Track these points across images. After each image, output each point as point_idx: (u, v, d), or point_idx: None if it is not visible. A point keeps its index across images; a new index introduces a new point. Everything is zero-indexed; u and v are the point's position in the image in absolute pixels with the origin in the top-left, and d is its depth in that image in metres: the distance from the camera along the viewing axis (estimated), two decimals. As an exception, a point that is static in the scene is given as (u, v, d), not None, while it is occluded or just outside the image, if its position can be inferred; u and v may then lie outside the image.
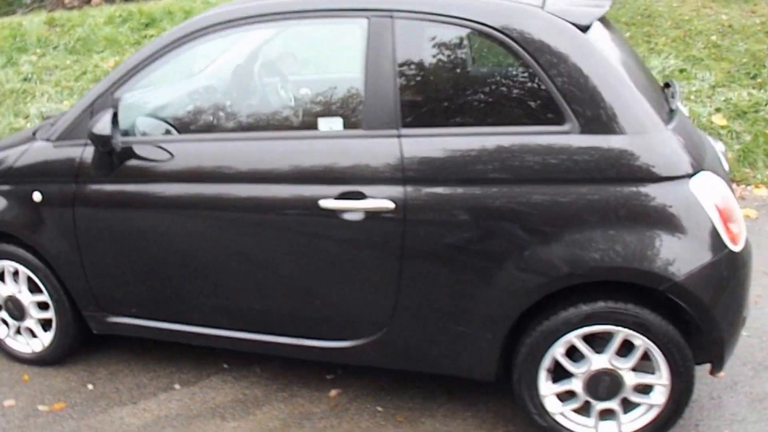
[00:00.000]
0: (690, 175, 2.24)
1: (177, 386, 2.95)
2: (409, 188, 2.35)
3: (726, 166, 2.67)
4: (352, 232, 2.43)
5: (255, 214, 2.53)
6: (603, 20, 2.65)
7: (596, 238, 2.25)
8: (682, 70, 6.14)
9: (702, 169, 2.28)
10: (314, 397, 2.87)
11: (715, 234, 2.25)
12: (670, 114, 2.41)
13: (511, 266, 2.33)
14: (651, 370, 2.39)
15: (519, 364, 2.45)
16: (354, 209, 2.38)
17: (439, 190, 2.34)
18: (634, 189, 2.23)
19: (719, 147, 2.80)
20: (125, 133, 2.67)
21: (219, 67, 3.00)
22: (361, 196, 2.38)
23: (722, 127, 5.51)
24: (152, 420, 2.74)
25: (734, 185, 4.99)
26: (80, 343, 3.05)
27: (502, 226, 2.32)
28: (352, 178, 2.39)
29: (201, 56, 2.72)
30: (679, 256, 2.23)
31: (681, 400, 2.41)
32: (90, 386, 2.95)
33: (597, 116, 2.24)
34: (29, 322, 3.04)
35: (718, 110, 5.67)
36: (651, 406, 2.43)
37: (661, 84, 2.81)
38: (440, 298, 2.44)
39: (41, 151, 2.79)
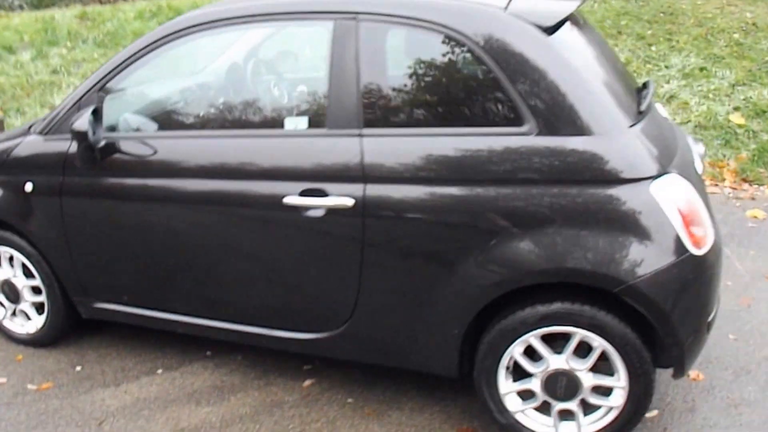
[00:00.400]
0: (652, 178, 2.23)
1: (160, 371, 3.06)
2: (369, 187, 2.39)
3: (700, 169, 2.64)
4: (315, 228, 2.49)
5: (225, 209, 2.61)
6: (575, 19, 2.65)
7: (551, 239, 2.26)
8: (702, 68, 6.03)
9: (667, 172, 2.26)
10: (288, 386, 2.94)
11: (675, 238, 2.22)
12: (639, 115, 2.40)
13: (468, 265, 2.35)
14: (610, 372, 2.40)
15: (479, 361, 2.47)
16: (315, 206, 2.45)
17: (398, 189, 2.38)
18: (591, 191, 2.23)
19: (698, 149, 2.77)
20: (112, 129, 2.79)
21: (196, 67, 3.09)
22: (322, 193, 2.43)
23: (740, 126, 5.40)
24: (131, 402, 2.86)
25: (746, 185, 4.89)
26: (71, 326, 3.18)
27: (459, 225, 2.35)
28: (315, 176, 2.45)
29: (182, 56, 2.80)
30: (636, 259, 2.22)
31: (640, 403, 2.40)
32: (78, 368, 3.09)
33: (555, 118, 2.24)
34: (24, 305, 3.19)
35: (736, 109, 5.56)
36: (610, 408, 2.43)
37: (640, 84, 2.79)
38: (400, 294, 2.48)
39: (33, 144, 2.93)
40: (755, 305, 3.44)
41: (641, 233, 2.22)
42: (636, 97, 2.57)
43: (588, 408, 2.47)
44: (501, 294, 2.35)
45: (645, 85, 2.73)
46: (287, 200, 2.47)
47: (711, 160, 5.15)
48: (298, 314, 2.69)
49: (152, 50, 2.70)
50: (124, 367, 3.09)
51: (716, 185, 4.89)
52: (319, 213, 2.45)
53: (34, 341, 3.23)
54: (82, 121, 2.59)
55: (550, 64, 2.27)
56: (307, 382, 2.96)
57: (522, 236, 2.28)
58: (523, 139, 2.27)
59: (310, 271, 2.57)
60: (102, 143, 2.69)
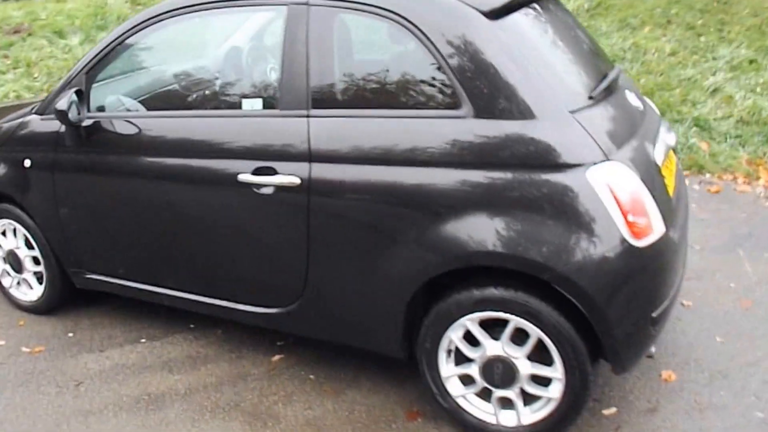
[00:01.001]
0: (589, 164, 2.17)
1: (143, 340, 3.22)
2: (315, 166, 2.45)
3: (660, 159, 2.48)
4: (266, 205, 2.57)
5: (190, 186, 2.72)
6: (543, 4, 2.61)
7: (484, 223, 2.24)
8: (752, 61, 5.71)
9: (608, 159, 2.19)
10: (258, 360, 3.04)
11: (611, 227, 2.16)
12: (589, 100, 2.34)
13: (406, 245, 2.36)
14: (550, 363, 2.35)
15: (420, 343, 2.49)
16: (265, 184, 2.52)
17: (342, 168, 2.42)
18: (525, 175, 2.20)
19: (669, 138, 2.66)
20: (101, 109, 2.97)
21: (168, 51, 3.23)
22: (272, 171, 2.51)
23: (785, 123, 5.08)
24: (110, 366, 3.03)
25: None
26: (68, 296, 3.39)
27: (397, 205, 2.36)
28: (266, 155, 2.53)
29: (157, 41, 2.95)
30: (567, 246, 2.17)
31: (578, 397, 2.34)
32: (71, 334, 3.30)
33: (492, 101, 2.23)
34: (26, 275, 3.43)
35: (785, 105, 5.23)
36: (549, 399, 2.39)
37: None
38: (346, 272, 2.52)
39: (32, 123, 3.14)
40: (753, 308, 3.26)
41: (575, 220, 2.17)
42: (596, 80, 2.50)
43: (529, 398, 2.44)
44: (436, 275, 2.35)
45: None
46: (241, 177, 2.56)
47: (749, 157, 4.88)
48: (257, 289, 2.77)
49: (131, 35, 2.86)
50: (111, 335, 3.27)
51: (749, 183, 4.64)
52: (269, 191, 2.53)
53: (36, 309, 3.47)
54: (63, 102, 2.77)
55: (488, 47, 2.24)
56: (276, 357, 3.04)
57: (455, 218, 2.28)
58: (460, 122, 2.27)
59: (264, 247, 2.66)
60: (86, 122, 2.88)
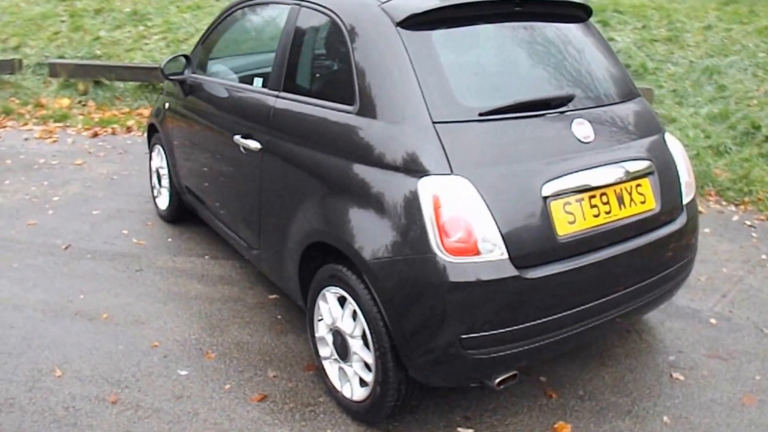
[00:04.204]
0: (424, 174, 2.27)
1: (206, 257, 4.10)
2: (270, 137, 2.99)
3: (549, 191, 2.37)
4: (245, 163, 3.20)
5: (220, 135, 3.47)
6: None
7: (336, 206, 2.55)
8: None
9: (453, 173, 2.26)
10: (258, 293, 3.68)
11: (422, 236, 2.25)
12: (479, 116, 2.39)
13: (302, 213, 2.77)
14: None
15: (308, 304, 2.87)
16: (244, 146, 3.14)
17: (280, 141, 2.93)
18: (378, 172, 2.41)
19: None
20: (204, 71, 3.91)
21: (232, 34, 3.92)
22: (251, 137, 3.12)
23: None
24: (170, 267, 3.96)
25: None
26: (184, 211, 4.43)
27: (303, 179, 2.78)
28: (251, 123, 3.15)
29: (229, 27, 3.80)
30: (382, 243, 2.34)
31: (384, 386, 2.46)
32: (169, 239, 4.34)
33: (372, 102, 2.49)
34: (162, 189, 4.60)
35: None
36: (368, 383, 2.56)
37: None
38: (276, 229, 3.01)
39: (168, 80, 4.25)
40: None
41: (396, 221, 2.32)
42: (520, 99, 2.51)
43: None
44: (310, 243, 2.71)
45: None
46: (235, 138, 3.23)
47: None
48: (247, 230, 3.41)
49: (220, 21, 3.75)
50: (189, 248, 4.22)
51: None
52: (245, 152, 3.15)
53: (163, 217, 4.63)
54: (165, 64, 3.78)
55: (385, 53, 2.49)
56: (273, 296, 3.65)
57: (326, 199, 2.62)
58: (348, 116, 2.58)
59: (245, 197, 3.29)
60: (188, 80, 3.85)
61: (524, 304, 2.31)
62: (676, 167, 2.85)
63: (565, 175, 2.42)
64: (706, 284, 3.85)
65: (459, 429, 2.63)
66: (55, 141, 6.59)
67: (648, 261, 2.67)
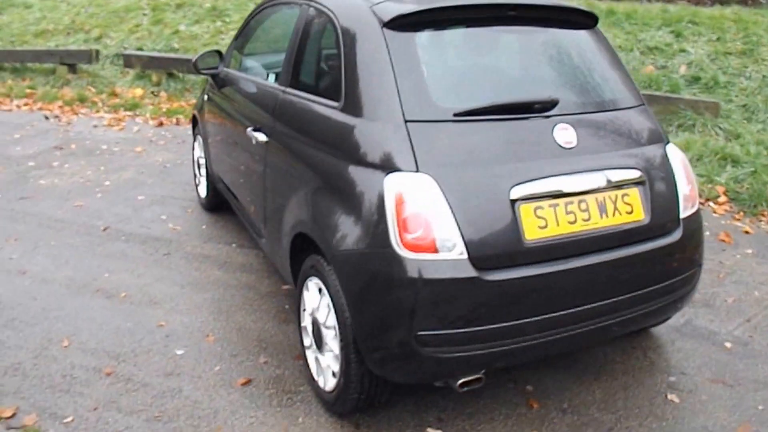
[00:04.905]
0: (390, 170, 2.30)
1: (234, 245, 4.25)
2: (273, 130, 3.10)
3: (516, 194, 2.34)
4: (255, 153, 3.32)
5: (241, 126, 3.59)
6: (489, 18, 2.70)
7: (317, 197, 2.63)
8: None
9: (419, 171, 2.28)
10: (271, 285, 3.79)
11: (383, 231, 2.27)
12: (454, 116, 2.40)
13: (292, 204, 2.84)
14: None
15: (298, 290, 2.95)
16: (255, 138, 3.25)
17: (281, 135, 3.03)
18: (352, 166, 2.45)
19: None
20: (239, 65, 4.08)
21: (258, 32, 4.05)
22: (260, 130, 3.23)
23: None
24: (198, 253, 4.14)
25: None
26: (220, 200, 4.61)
27: (294, 172, 2.88)
28: (261, 117, 3.27)
29: (257, 26, 3.95)
30: (348, 235, 2.40)
31: (347, 378, 2.50)
32: (203, 227, 4.53)
33: (353, 99, 2.55)
34: (201, 178, 4.81)
35: None
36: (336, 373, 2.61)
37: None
38: (275, 219, 3.10)
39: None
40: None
41: (363, 216, 2.36)
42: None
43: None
44: (297, 233, 2.79)
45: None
46: (247, 131, 3.35)
47: None
48: (256, 220, 3.53)
49: (250, 19, 3.90)
50: (220, 236, 4.39)
51: None
52: (255, 143, 3.27)
53: (203, 206, 4.83)
54: (197, 58, 3.97)
55: (366, 52, 2.55)
56: (287, 287, 3.73)
57: (311, 189, 2.69)
58: (332, 111, 2.65)
59: (255, 186, 3.41)
60: (221, 74, 4.02)
61: (485, 306, 2.29)
62: (674, 179, 2.74)
63: (538, 179, 2.38)
64: (731, 306, 3.66)
65: (429, 429, 2.63)
66: (121, 129, 6.99)
67: (635, 273, 2.58)
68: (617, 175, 2.53)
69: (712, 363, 3.13)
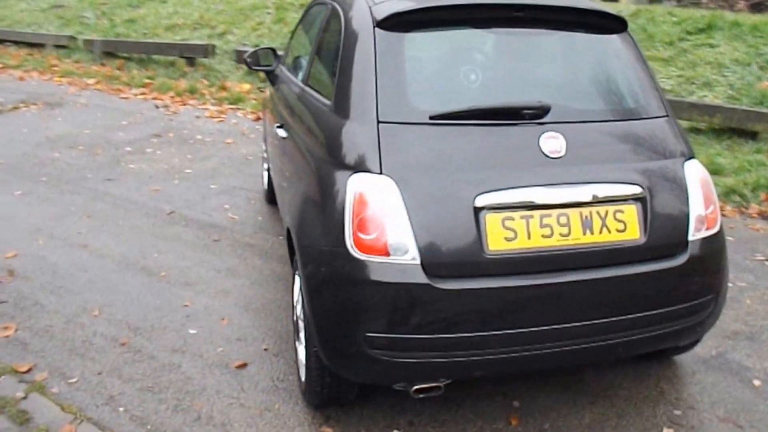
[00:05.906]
0: (355, 170, 2.32)
1: (281, 237, 4.44)
2: (289, 126, 3.24)
3: (482, 202, 2.28)
4: (280, 148, 3.47)
5: (281, 120, 3.75)
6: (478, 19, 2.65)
7: (298, 194, 2.74)
8: None
9: (382, 173, 2.29)
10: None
11: (340, 230, 2.30)
12: (429, 119, 2.39)
13: (295, 189, 2.93)
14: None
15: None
16: (278, 134, 3.41)
17: (292, 129, 3.16)
18: (329, 166, 2.49)
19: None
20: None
21: (300, 31, 4.15)
22: (282, 127, 3.37)
23: None
24: (280, 243, 4.41)
25: None
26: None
27: (294, 165, 3.00)
28: (284, 114, 3.42)
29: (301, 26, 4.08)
30: (310, 231, 2.48)
31: (309, 372, 2.56)
32: (259, 218, 4.77)
33: (339, 97, 2.59)
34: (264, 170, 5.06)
35: None
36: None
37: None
38: (291, 201, 3.08)
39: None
40: None
41: (326, 214, 2.41)
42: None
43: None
44: (287, 227, 2.90)
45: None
46: (274, 127, 3.50)
47: None
48: (281, 211, 3.67)
49: (301, 19, 4.03)
50: (263, 227, 4.60)
51: None
52: (279, 139, 3.42)
53: (267, 197, 5.01)
54: (248, 55, 4.18)
55: (357, 52, 2.57)
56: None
57: (302, 185, 2.78)
58: (324, 110, 2.72)
59: (280, 180, 3.55)
60: (275, 70, 4.22)
61: (437, 314, 2.26)
62: (687, 198, 2.54)
63: (508, 188, 2.31)
64: (778, 342, 3.33)
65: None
66: (221, 121, 7.45)
67: (625, 296, 2.43)
68: (607, 190, 2.40)
69: (730, 400, 2.88)
